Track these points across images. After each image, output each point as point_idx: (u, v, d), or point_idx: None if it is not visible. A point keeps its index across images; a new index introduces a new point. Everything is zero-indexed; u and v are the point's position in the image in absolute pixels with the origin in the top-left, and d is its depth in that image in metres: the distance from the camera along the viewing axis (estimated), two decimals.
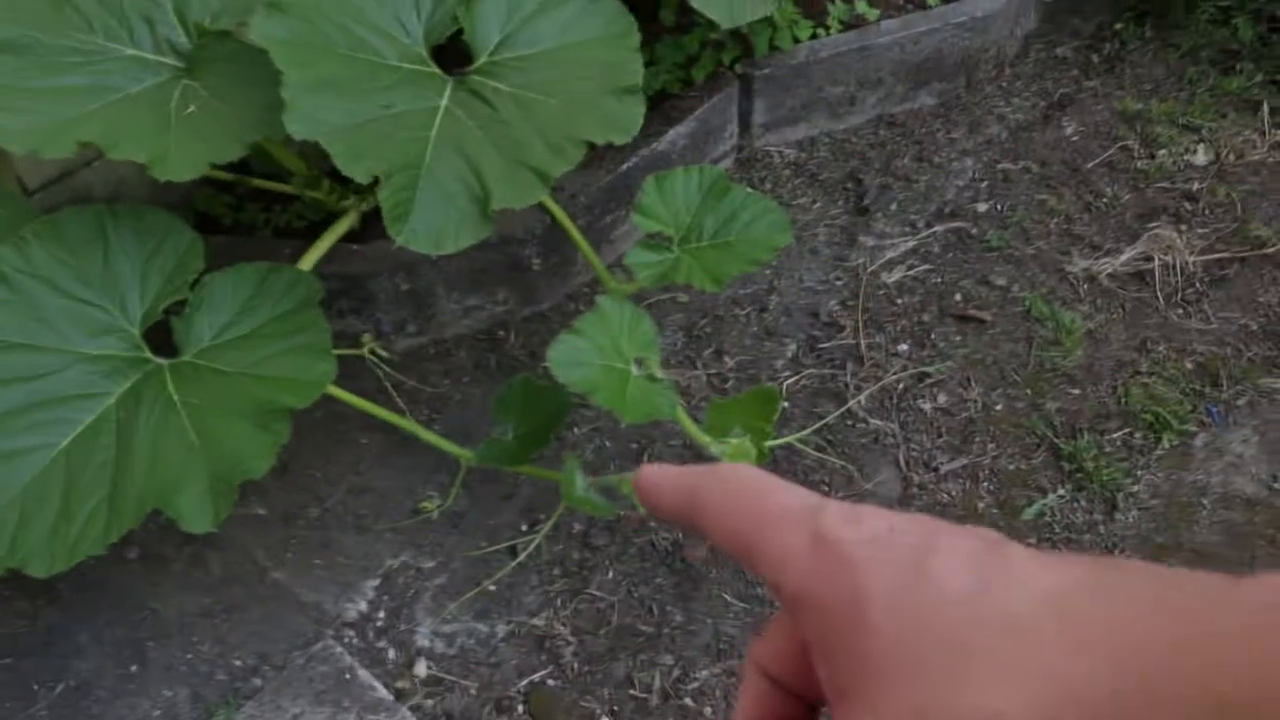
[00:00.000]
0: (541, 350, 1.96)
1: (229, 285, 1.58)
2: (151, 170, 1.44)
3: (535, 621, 1.67)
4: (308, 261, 1.71)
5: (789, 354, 1.99)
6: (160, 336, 1.52)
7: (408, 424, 1.69)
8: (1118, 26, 2.68)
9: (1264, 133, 2.46)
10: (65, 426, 1.44)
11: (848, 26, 2.28)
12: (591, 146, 1.55)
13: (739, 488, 0.35)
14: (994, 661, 0.27)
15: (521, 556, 1.73)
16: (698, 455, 1.85)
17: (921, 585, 0.29)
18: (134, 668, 1.62)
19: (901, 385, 1.95)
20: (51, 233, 1.52)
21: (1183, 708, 0.25)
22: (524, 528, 1.77)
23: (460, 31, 1.65)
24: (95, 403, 1.47)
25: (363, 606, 1.69)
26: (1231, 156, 2.41)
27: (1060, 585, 0.28)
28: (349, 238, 1.88)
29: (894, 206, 2.23)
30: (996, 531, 0.31)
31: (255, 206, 2.01)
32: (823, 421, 1.88)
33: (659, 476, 0.37)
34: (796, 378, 1.96)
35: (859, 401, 1.92)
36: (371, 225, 1.90)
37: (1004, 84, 2.52)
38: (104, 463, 1.42)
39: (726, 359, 1.97)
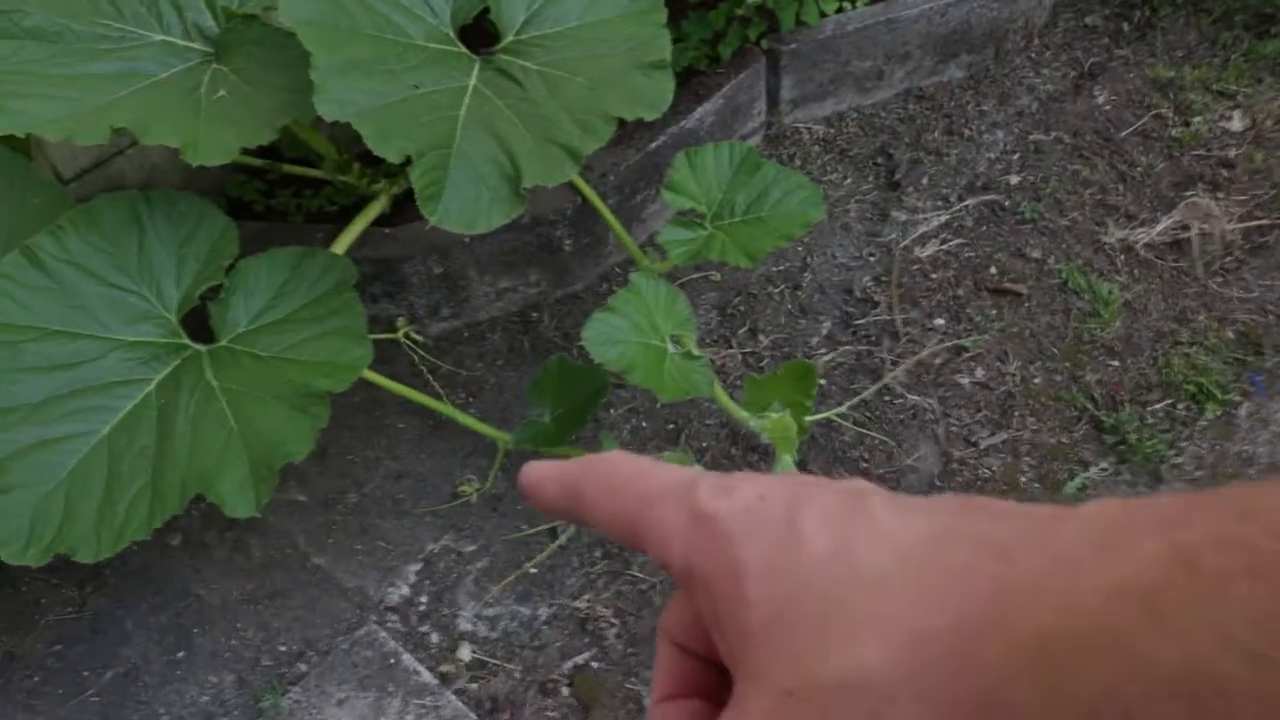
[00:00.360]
0: (575, 331, 1.95)
1: (264, 270, 1.57)
2: (184, 155, 1.43)
3: (577, 604, 1.66)
4: (340, 246, 1.71)
5: (824, 331, 1.97)
6: (197, 322, 1.52)
7: (445, 407, 1.68)
8: None
9: None
10: (106, 414, 1.44)
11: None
12: (621, 123, 1.54)
13: (617, 473, 0.35)
14: (855, 619, 0.28)
15: (562, 539, 1.72)
16: (734, 434, 1.84)
17: (791, 551, 0.30)
18: (180, 654, 1.63)
19: (938, 360, 1.93)
20: (87, 220, 1.52)
21: (1005, 647, 0.25)
22: None
23: (486, 10, 1.64)
24: (135, 389, 1.47)
25: (405, 591, 1.69)
26: (1269, 122, 2.37)
27: (917, 535, 0.29)
28: (380, 221, 1.87)
29: (925, 181, 2.21)
30: (864, 481, 0.32)
31: (286, 192, 2.01)
32: (860, 398, 1.87)
33: (539, 473, 0.38)
34: (832, 354, 1.94)
35: (896, 377, 1.90)
36: (403, 209, 1.90)
37: (1033, 54, 2.49)
38: (145, 449, 1.42)
39: (761, 337, 1.96)
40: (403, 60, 1.54)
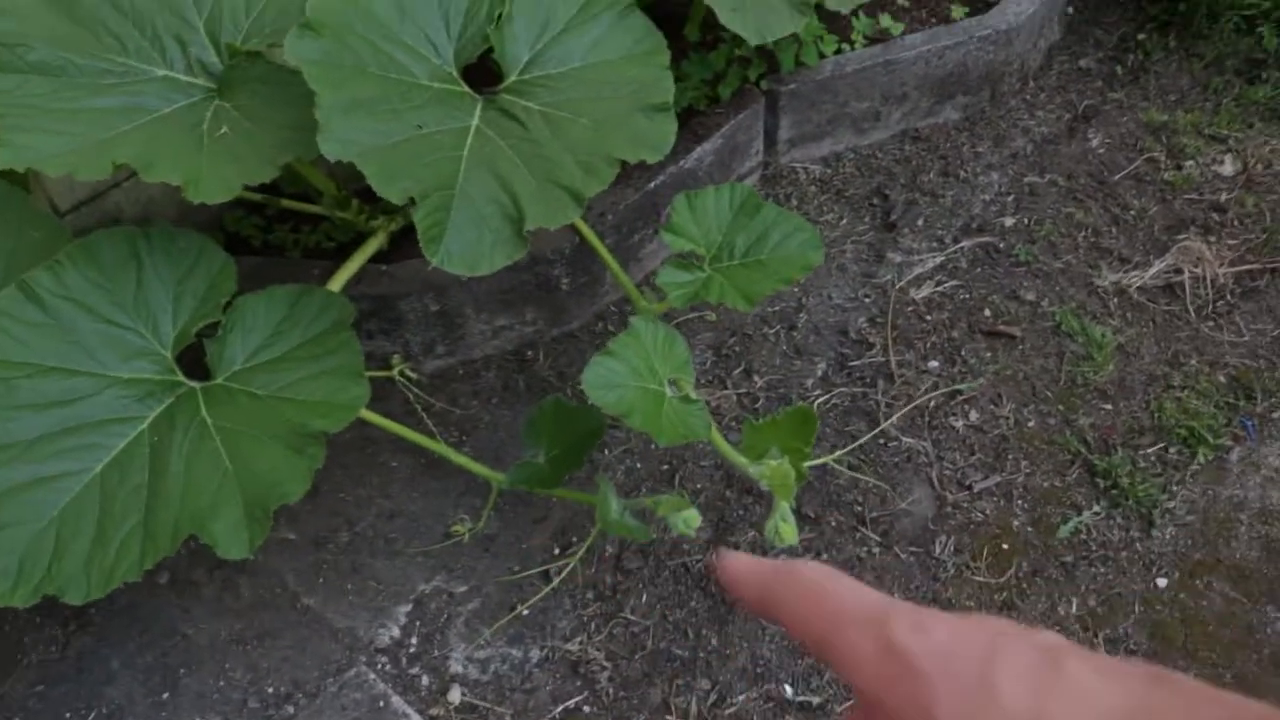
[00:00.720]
0: (570, 370, 1.95)
1: (261, 307, 1.57)
2: (186, 192, 1.43)
3: (569, 646, 1.65)
4: (337, 283, 1.70)
5: (819, 372, 1.98)
6: (193, 359, 1.51)
7: (438, 446, 1.67)
8: (1140, 37, 2.67)
9: None
10: (99, 451, 1.43)
11: (872, 41, 2.27)
12: (623, 165, 1.54)
13: (812, 587, 0.38)
14: None
15: (556, 581, 1.71)
16: (729, 475, 1.83)
17: (985, 705, 0.31)
18: (165, 695, 1.61)
19: (933, 403, 1.93)
20: (85, 256, 1.51)
21: None
22: (556, 551, 1.76)
23: (490, 50, 1.64)
24: (129, 427, 1.46)
25: (395, 632, 1.68)
26: (1259, 166, 2.39)
27: (1111, 709, 0.30)
28: (377, 258, 1.87)
29: (920, 222, 2.22)
30: (1057, 635, 0.33)
31: (284, 227, 2.00)
32: (857, 443, 1.87)
33: (738, 569, 0.41)
34: (827, 396, 1.94)
35: (892, 422, 1.90)
36: (400, 246, 1.90)
37: (1028, 97, 2.51)
38: (138, 487, 1.41)
39: (756, 378, 1.96)
40: (406, 99, 1.55)
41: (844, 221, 2.22)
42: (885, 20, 2.30)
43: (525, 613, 1.69)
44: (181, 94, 1.61)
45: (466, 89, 1.60)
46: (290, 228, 2.00)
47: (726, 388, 1.95)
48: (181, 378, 1.50)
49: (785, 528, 1.45)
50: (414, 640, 1.67)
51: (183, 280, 1.58)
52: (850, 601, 0.36)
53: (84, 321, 1.48)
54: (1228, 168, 2.40)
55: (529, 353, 1.99)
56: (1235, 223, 2.27)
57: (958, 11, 2.37)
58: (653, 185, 1.97)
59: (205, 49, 1.64)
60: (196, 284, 1.58)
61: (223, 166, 1.49)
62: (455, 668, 1.64)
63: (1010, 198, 2.29)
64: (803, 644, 0.38)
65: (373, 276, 1.88)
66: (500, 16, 1.66)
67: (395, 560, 1.75)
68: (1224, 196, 2.32)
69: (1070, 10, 2.69)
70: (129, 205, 1.92)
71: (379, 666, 1.64)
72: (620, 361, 1.48)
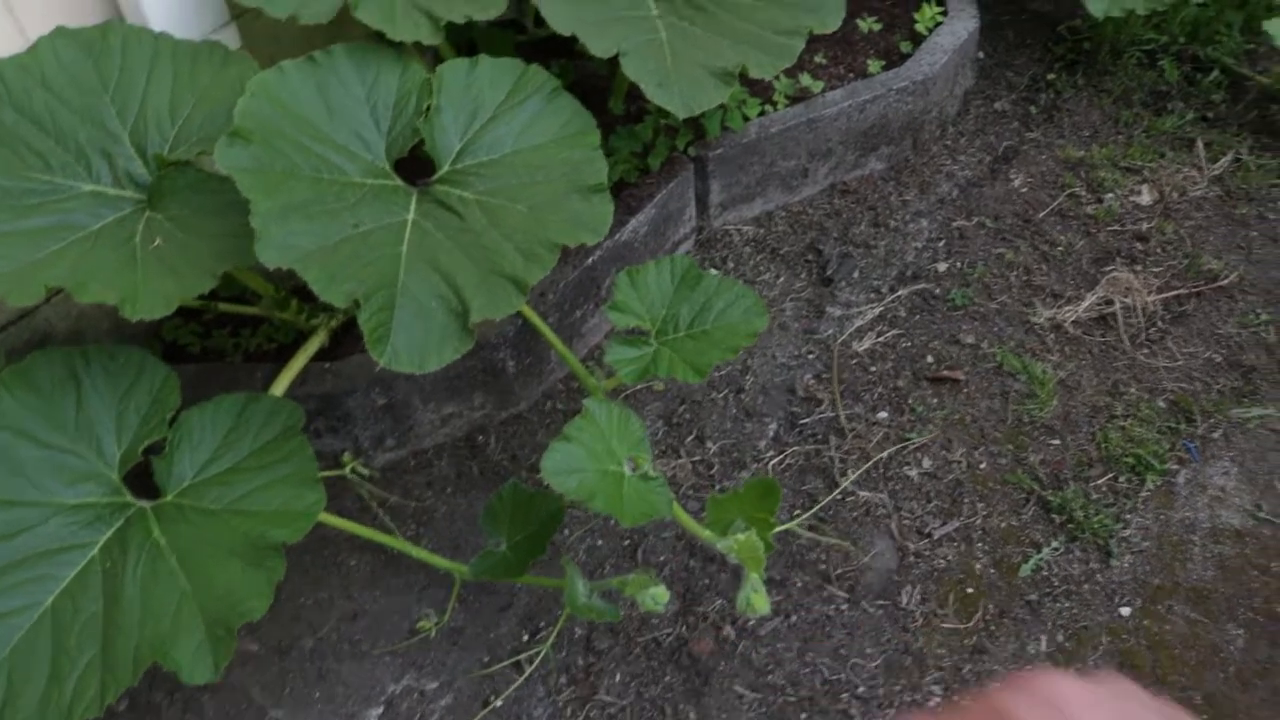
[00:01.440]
0: (523, 453, 1.94)
1: (208, 420, 1.54)
2: (122, 310, 1.40)
3: None
4: (281, 385, 1.68)
5: (770, 433, 1.99)
6: (142, 478, 1.48)
7: (396, 542, 1.65)
8: (1050, 77, 2.75)
9: (1201, 168, 2.52)
10: (49, 583, 1.39)
11: (794, 100, 2.32)
12: (564, 249, 1.55)
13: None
14: None
15: (529, 670, 1.69)
16: (691, 545, 1.83)
17: None
18: None
19: (886, 454, 1.95)
20: (21, 381, 1.48)
21: None
22: (525, 637, 1.74)
23: (422, 142, 1.65)
24: (78, 554, 1.42)
25: None
26: (1175, 194, 2.47)
27: None
28: (321, 355, 1.85)
29: (856, 274, 2.25)
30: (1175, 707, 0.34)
31: (223, 332, 1.98)
32: (817, 506, 1.88)
33: None
34: (781, 457, 1.95)
35: (849, 481, 1.91)
36: (342, 341, 1.88)
37: (949, 142, 2.57)
38: (92, 617, 1.37)
39: (709, 444, 1.97)
40: (341, 199, 1.54)
41: (781, 280, 2.24)
42: (805, 79, 2.35)
43: (499, 704, 1.66)
44: (111, 208, 1.59)
45: (400, 183, 1.60)
46: (229, 332, 1.98)
47: (681, 456, 1.95)
48: (130, 498, 1.47)
49: (757, 598, 1.45)
50: None
51: (124, 398, 1.55)
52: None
53: (24, 449, 1.45)
54: (1145, 197, 2.47)
55: (480, 438, 1.98)
56: (1158, 250, 2.34)
57: (874, 65, 2.42)
58: (590, 261, 1.98)
59: (132, 160, 1.63)
60: (139, 401, 1.56)
61: (159, 281, 1.47)
62: None
63: (941, 243, 2.34)
64: None
65: (317, 375, 1.86)
66: (429, 108, 1.67)
67: (363, 662, 1.72)
68: (1145, 226, 2.39)
69: (981, 55, 2.76)
70: (60, 321, 1.88)
71: None
72: (577, 446, 1.48)
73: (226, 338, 1.96)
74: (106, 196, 1.60)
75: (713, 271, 1.72)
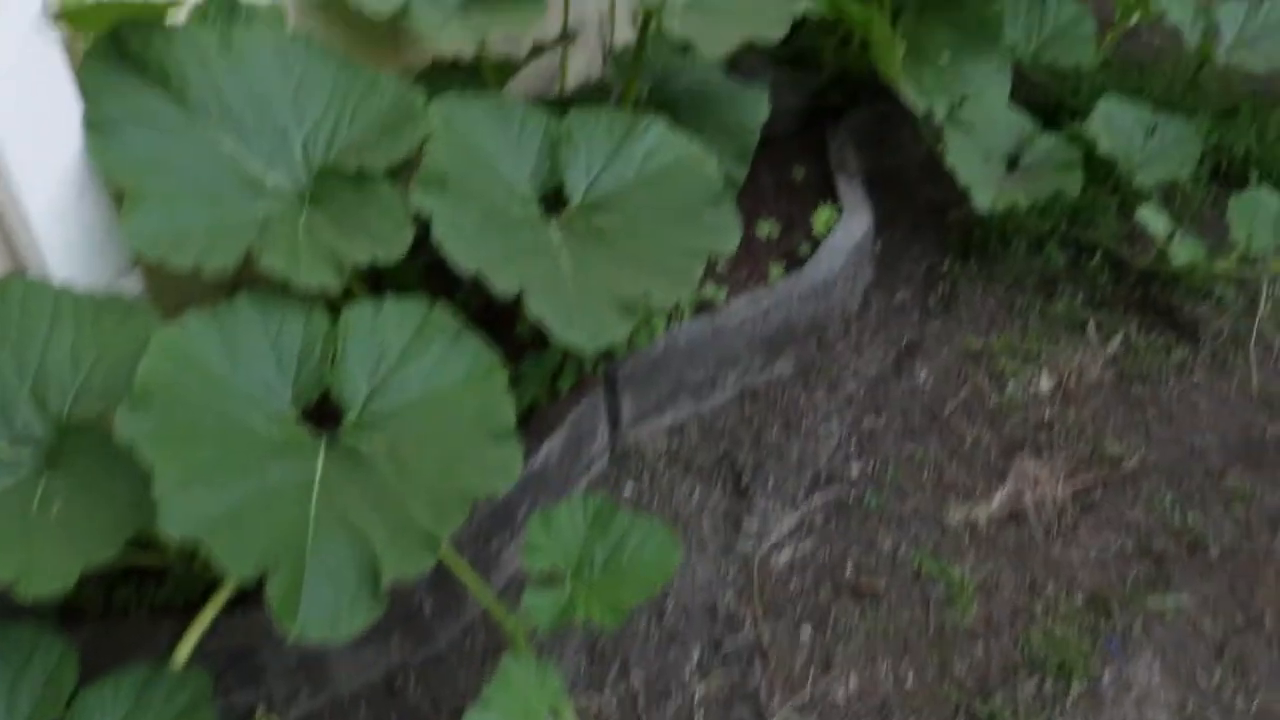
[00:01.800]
0: (443, 694, 1.89)
1: (107, 701, 1.48)
2: (17, 589, 1.35)
3: None
4: (187, 645, 1.62)
5: (694, 659, 1.96)
6: None
7: None
8: (945, 267, 2.86)
9: (1094, 352, 2.62)
10: None
11: (699, 309, 2.36)
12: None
13: None
14: None
15: None
16: None
17: None
18: None
19: (811, 674, 1.93)
20: None
21: None
22: None
23: (329, 390, 1.64)
24: None
25: None
26: (1073, 379, 2.55)
27: None
28: (231, 605, 1.79)
29: (771, 483, 2.27)
30: None
31: (127, 586, 1.91)
32: None
33: None
34: (706, 687, 1.92)
35: (774, 707, 1.89)
36: (255, 590, 1.83)
37: (853, 339, 2.63)
38: None
39: (633, 675, 1.93)
40: (248, 453, 1.51)
41: (697, 494, 2.25)
42: (709, 289, 2.40)
43: None
44: (7, 472, 1.54)
45: (308, 435, 1.58)
46: (134, 587, 1.91)
47: (605, 691, 1.91)
48: None
49: None
50: None
51: (16, 680, 1.49)
52: None
53: None
54: (1045, 384, 2.55)
55: (398, 681, 1.92)
56: (1062, 438, 2.40)
57: (775, 269, 2.49)
58: (504, 491, 1.97)
59: (31, 420, 1.58)
60: (32, 682, 1.49)
61: (58, 552, 1.42)
62: None
63: (852, 443, 2.37)
64: None
65: (227, 628, 1.80)
66: (334, 355, 1.67)
67: None
68: (1047, 413, 2.46)
69: (878, 246, 2.86)
70: None
71: None
72: (496, 710, 1.45)
73: (131, 592, 1.89)
74: (2, 460, 1.55)
75: (623, 511, 1.71)
